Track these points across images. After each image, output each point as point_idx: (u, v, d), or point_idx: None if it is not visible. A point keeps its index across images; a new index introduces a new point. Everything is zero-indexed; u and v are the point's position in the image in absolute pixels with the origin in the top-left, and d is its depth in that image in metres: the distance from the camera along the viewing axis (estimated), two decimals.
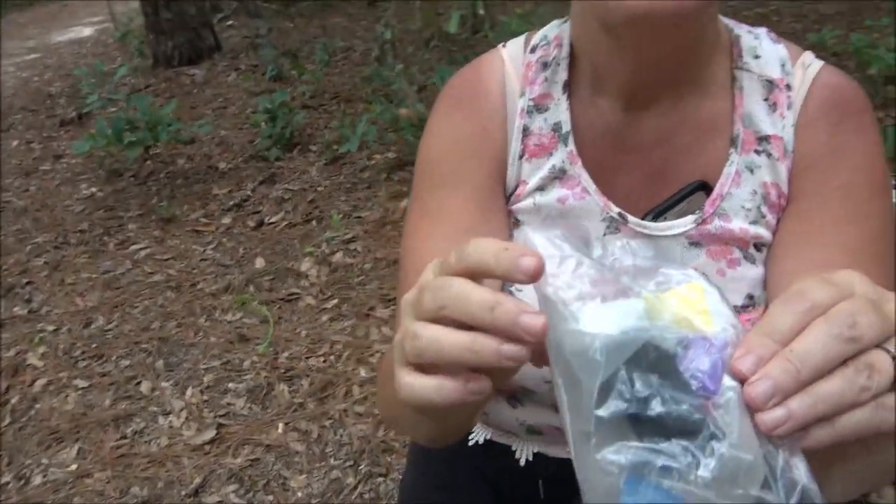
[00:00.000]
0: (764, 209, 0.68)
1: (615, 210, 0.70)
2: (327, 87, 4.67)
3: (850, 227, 0.63)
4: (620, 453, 0.34)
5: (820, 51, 3.85)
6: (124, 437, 1.90)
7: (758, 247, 0.69)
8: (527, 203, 0.72)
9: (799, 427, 0.35)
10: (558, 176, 0.71)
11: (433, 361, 0.39)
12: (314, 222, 3.00)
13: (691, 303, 0.38)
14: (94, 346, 2.36)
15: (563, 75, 0.71)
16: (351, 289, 2.46)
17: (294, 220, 3.05)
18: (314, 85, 4.60)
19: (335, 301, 2.41)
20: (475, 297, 0.38)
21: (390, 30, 3.40)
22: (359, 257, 2.66)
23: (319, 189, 3.28)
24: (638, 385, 0.35)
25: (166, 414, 1.98)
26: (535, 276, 0.37)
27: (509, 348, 0.37)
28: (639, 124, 0.69)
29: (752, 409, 0.35)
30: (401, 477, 1.00)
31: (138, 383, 2.12)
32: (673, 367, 0.35)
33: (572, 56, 0.71)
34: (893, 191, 0.69)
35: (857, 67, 3.18)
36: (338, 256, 2.69)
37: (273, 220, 3.09)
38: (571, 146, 0.71)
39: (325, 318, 2.33)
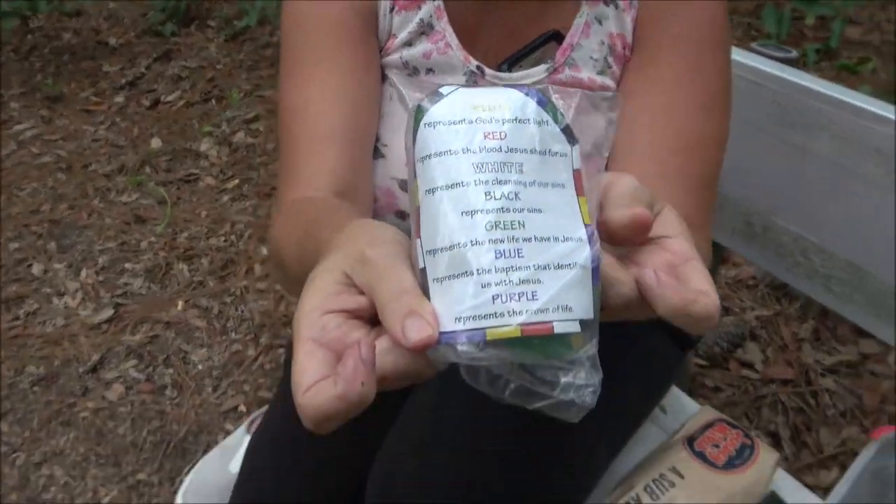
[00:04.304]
0: (610, 59, 0.71)
1: (473, 63, 0.72)
2: None
3: (688, 76, 0.66)
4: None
5: None
6: (17, 319, 1.86)
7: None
8: (394, 58, 0.73)
9: None
10: (425, 31, 0.72)
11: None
12: (213, 101, 2.87)
13: None
14: None
15: None
16: (253, 169, 2.41)
17: (192, 99, 2.92)
18: None
19: (236, 181, 2.36)
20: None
21: None
22: (261, 137, 2.59)
23: (219, 67, 3.13)
24: None
25: (60, 295, 1.93)
26: (417, 349, 0.33)
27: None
28: None
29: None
30: None
31: (29, 266, 2.05)
32: None
33: None
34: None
35: None
36: (239, 136, 2.61)
37: (169, 98, 2.95)
38: (439, 1, 0.71)
39: (225, 198, 2.28)
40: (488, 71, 0.72)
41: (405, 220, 0.74)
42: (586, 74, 0.71)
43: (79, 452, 1.52)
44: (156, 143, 2.62)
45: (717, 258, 1.18)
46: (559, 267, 0.36)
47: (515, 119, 0.38)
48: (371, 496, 0.75)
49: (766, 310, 1.60)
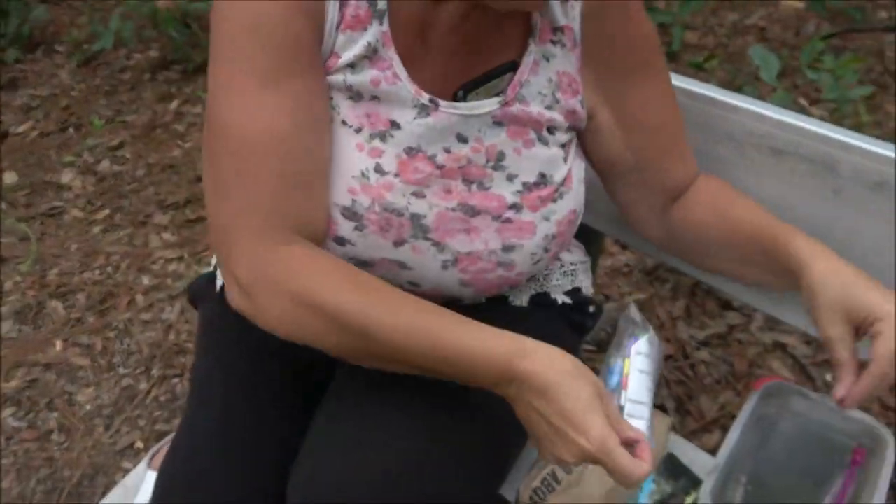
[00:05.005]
0: (558, 95, 0.76)
1: (426, 97, 0.71)
2: None
3: (662, 82, 0.82)
4: None
5: None
6: None
7: (550, 130, 0.77)
8: (337, 79, 0.70)
9: None
10: (370, 56, 0.69)
11: None
12: (71, 130, 2.72)
13: None
14: None
15: None
16: (123, 197, 2.30)
17: (47, 129, 2.75)
18: None
19: (106, 211, 2.25)
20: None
21: None
22: (128, 164, 2.48)
23: (73, 93, 2.97)
24: None
25: None
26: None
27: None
28: (443, 9, 0.69)
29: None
30: None
31: None
32: None
33: None
34: None
35: None
36: (104, 164, 2.49)
37: (21, 129, 2.76)
38: (386, 26, 0.69)
39: (96, 229, 2.17)
40: (442, 103, 0.72)
41: (344, 245, 0.74)
42: (535, 109, 0.75)
43: None
44: (10, 177, 2.45)
45: (597, 248, 1.26)
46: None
47: (649, 353, 0.78)
48: (292, 497, 0.75)
49: (642, 293, 1.73)
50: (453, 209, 0.74)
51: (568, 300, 0.92)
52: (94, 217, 2.22)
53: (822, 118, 2.23)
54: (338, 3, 0.67)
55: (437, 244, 0.75)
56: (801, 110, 2.30)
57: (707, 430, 1.42)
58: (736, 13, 3.10)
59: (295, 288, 0.66)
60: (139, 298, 1.87)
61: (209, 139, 0.69)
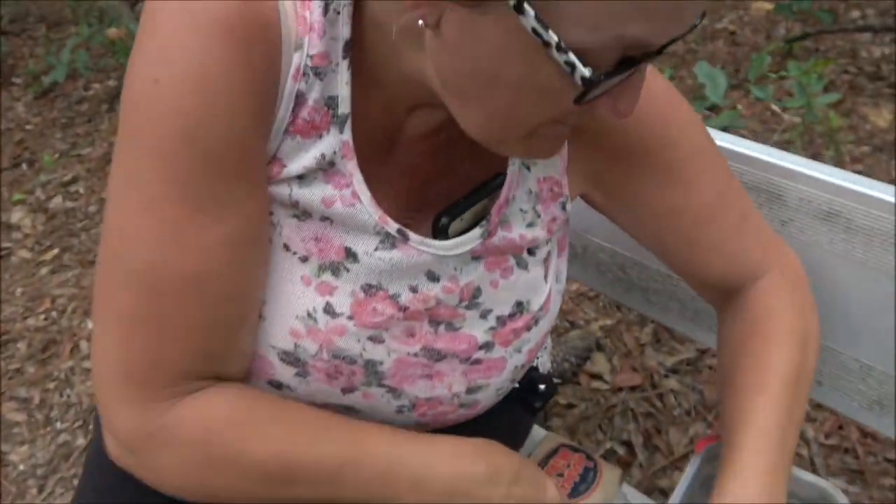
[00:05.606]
0: (539, 208, 0.65)
1: (393, 226, 0.58)
2: (31, 8, 4.07)
3: (695, 163, 0.68)
4: None
5: None
6: None
7: (531, 251, 0.66)
8: (280, 190, 0.56)
9: None
10: (325, 168, 0.56)
11: None
12: (24, 165, 2.64)
13: None
14: None
15: (344, 30, 0.52)
16: (73, 235, 2.22)
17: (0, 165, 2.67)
18: (14, 7, 3.98)
19: (55, 251, 2.17)
20: None
21: None
22: (81, 200, 2.40)
23: (28, 127, 2.89)
24: None
25: None
26: None
27: None
28: (414, 116, 0.59)
29: None
30: None
31: None
32: None
33: (358, 6, 0.52)
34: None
35: None
36: (56, 201, 2.40)
37: None
38: (348, 135, 0.55)
39: (43, 271, 2.09)
40: (413, 237, 0.59)
41: (281, 389, 0.62)
42: (517, 232, 0.63)
43: None
44: None
45: None
46: None
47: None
48: None
49: (609, 319, 1.64)
50: (415, 354, 0.62)
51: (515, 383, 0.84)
52: (41, 258, 2.14)
53: (794, 124, 2.16)
54: (291, 104, 0.53)
55: (392, 390, 0.63)
56: (774, 116, 2.23)
57: (676, 468, 1.33)
58: (706, 17, 3.03)
59: (195, 442, 0.57)
60: (83, 345, 1.78)
61: (114, 267, 0.54)
